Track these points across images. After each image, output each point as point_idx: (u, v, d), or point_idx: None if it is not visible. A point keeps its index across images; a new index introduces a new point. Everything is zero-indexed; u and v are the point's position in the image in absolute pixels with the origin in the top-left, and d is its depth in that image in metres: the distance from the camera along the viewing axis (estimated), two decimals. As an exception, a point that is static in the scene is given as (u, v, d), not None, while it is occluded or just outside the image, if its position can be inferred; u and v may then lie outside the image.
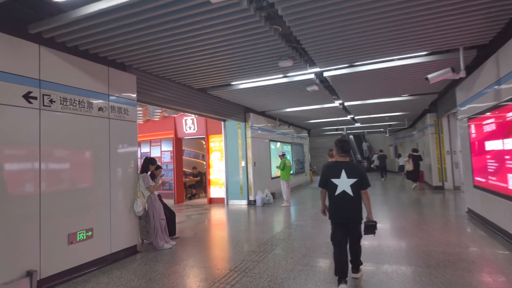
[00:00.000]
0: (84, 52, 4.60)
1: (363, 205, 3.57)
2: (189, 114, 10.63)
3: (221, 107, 8.83)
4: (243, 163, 10.18)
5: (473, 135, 6.36)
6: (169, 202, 11.31)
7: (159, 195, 6.08)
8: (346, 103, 10.07)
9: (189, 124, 11.27)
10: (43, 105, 4.01)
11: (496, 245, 4.86)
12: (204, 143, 12.23)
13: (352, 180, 3.44)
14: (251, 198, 10.09)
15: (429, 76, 5.43)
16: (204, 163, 13.14)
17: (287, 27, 4.09)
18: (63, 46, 4.32)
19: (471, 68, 5.96)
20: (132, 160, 5.37)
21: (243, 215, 8.53)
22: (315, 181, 17.80)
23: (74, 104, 4.40)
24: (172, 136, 11.62)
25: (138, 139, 12.89)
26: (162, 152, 12.00)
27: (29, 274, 3.65)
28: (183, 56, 5.02)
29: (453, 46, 5.09)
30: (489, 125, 5.35)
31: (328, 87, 7.96)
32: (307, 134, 18.81)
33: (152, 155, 12.42)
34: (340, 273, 3.48)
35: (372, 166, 23.39)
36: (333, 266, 3.65)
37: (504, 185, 4.86)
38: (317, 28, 4.07)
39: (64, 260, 4.12)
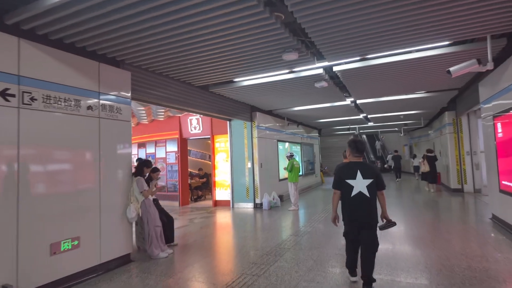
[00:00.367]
0: (70, 45, 4.25)
1: (378, 207, 3.47)
2: (194, 114, 10.27)
3: (225, 106, 8.42)
4: (249, 165, 9.74)
5: (500, 135, 5.75)
6: (174, 204, 11.02)
7: (156, 200, 5.72)
8: (358, 101, 9.51)
9: (194, 124, 10.92)
10: (23, 103, 3.67)
11: (530, 260, 4.28)
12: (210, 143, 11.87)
13: (368, 181, 3.36)
14: (258, 201, 9.64)
15: (451, 69, 4.86)
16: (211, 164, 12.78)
17: (290, 13, 3.63)
18: (46, 38, 3.97)
19: (497, 60, 5.35)
20: (125, 162, 5.00)
21: (247, 220, 8.09)
22: (326, 182, 17.21)
23: (59, 103, 4.05)
24: (177, 136, 11.29)
25: (143, 140, 12.74)
26: (167, 152, 11.69)
27: (4, 289, 3.32)
28: (179, 50, 4.62)
29: (479, 34, 4.51)
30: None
31: (339, 84, 7.44)
32: (317, 134, 18.23)
33: (158, 156, 12.14)
34: (351, 267, 3.68)
35: (385, 166, 22.65)
36: (341, 273, 3.78)
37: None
38: (324, 14, 3.59)
39: (45, 273, 3.77)
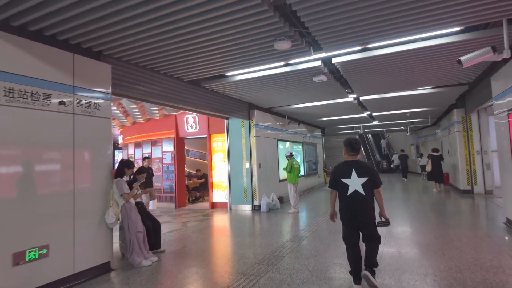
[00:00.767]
0: (36, 33, 3.85)
1: (375, 206, 3.44)
2: (191, 112, 9.86)
3: (220, 103, 7.99)
4: (247, 165, 9.31)
5: (516, 132, 5.24)
6: (170, 206, 10.63)
7: (140, 203, 5.32)
8: (361, 98, 9.02)
9: (191, 122, 10.53)
10: (-20, 97, 3.29)
11: (554, 272, 3.78)
12: (208, 143, 11.47)
13: (363, 179, 3.36)
14: (256, 203, 9.20)
15: (462, 58, 4.38)
16: (209, 164, 12.38)
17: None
18: (6, 24, 3.58)
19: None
20: (104, 163, 4.60)
21: (243, 223, 7.66)
22: (330, 183, 16.67)
23: (25, 97, 3.66)
24: (174, 135, 10.91)
25: (139, 139, 12.38)
26: (163, 152, 11.32)
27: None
28: (161, 39, 4.21)
29: (493, 18, 4.02)
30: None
31: (340, 78, 6.98)
32: (320, 133, 17.72)
33: (154, 156, 11.78)
34: (355, 274, 3.45)
35: (391, 166, 22.10)
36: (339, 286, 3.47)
37: None
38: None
39: (6, 285, 3.38)
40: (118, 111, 10.16)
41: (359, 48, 4.99)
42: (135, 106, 9.39)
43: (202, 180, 12.17)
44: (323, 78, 5.99)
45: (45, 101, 3.87)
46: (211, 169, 10.21)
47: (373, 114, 12.49)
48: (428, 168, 11.94)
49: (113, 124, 12.84)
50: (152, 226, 5.25)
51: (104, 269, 4.50)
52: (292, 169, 8.60)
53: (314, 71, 5.88)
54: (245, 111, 9.21)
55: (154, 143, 11.78)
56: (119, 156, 18.11)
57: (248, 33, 4.06)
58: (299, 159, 13.06)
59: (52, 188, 3.90)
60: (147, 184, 8.19)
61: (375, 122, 15.21)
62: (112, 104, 9.11)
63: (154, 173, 9.92)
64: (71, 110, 4.18)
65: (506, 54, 4.16)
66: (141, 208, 5.27)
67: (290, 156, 8.90)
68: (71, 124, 4.17)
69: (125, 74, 5.20)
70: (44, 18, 3.55)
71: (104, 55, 4.73)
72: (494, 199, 9.14)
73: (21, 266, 3.51)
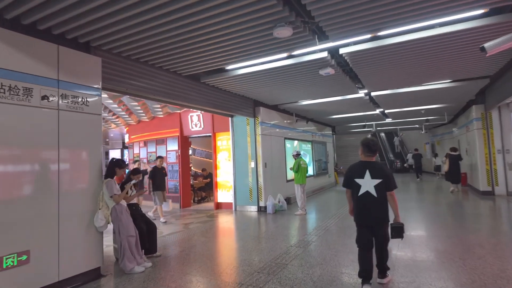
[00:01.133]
0: (13, 21, 3.58)
1: (389, 206, 3.42)
2: (195, 110, 9.55)
3: (223, 100, 7.64)
4: (252, 164, 8.94)
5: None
6: (175, 206, 10.34)
7: (135, 204, 5.03)
8: (373, 93, 8.51)
9: (195, 120, 10.23)
10: (-50, 91, 3.02)
11: None
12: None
13: (377, 181, 3.34)
14: (262, 204, 8.83)
15: (486, 45, 3.88)
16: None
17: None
18: (-19, 13, 3.32)
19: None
20: (93, 162, 4.31)
21: (247, 226, 7.29)
22: (341, 183, 16.13)
23: (1, 91, 3.39)
24: (178, 134, 10.64)
25: (144, 138, 12.16)
26: (168, 151, 11.06)
27: None
28: (153, 29, 3.89)
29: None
30: None
31: (349, 72, 6.52)
32: (331, 132, 17.19)
33: (158, 154, 11.54)
34: (364, 276, 3.42)
35: (405, 165, 21.37)
36: None
37: None
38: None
39: (-22, 296, 3.12)
40: (120, 109, 9.94)
41: (369, 36, 4.54)
42: (136, 103, 9.13)
43: (208, 180, 11.87)
44: (330, 71, 5.56)
45: (25, 96, 3.59)
46: (216, 169, 9.88)
47: (386, 111, 11.92)
48: (446, 167, 11.33)
49: (118, 122, 12.69)
50: (146, 229, 4.94)
51: (93, 275, 4.22)
52: (299, 168, 8.18)
53: (320, 63, 5.46)
54: (250, 108, 8.84)
55: (158, 142, 11.55)
56: (127, 155, 18.00)
57: (246, 19, 3.67)
58: (308, 158, 12.61)
59: (33, 189, 3.62)
60: (160, 185, 7.88)
61: (388, 120, 14.60)
62: (113, 101, 8.96)
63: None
64: (56, 105, 3.89)
65: (537, 39, 3.66)
66: (135, 210, 4.97)
67: (297, 155, 8.48)
68: (55, 120, 3.89)
69: (117, 68, 4.90)
70: (20, 3, 3.26)
71: (93, 47, 4.43)
72: (518, 201, 8.52)
73: (-3, 274, 3.24)
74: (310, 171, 12.52)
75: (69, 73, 4.06)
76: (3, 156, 3.39)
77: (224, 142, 9.83)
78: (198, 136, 11.13)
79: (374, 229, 3.42)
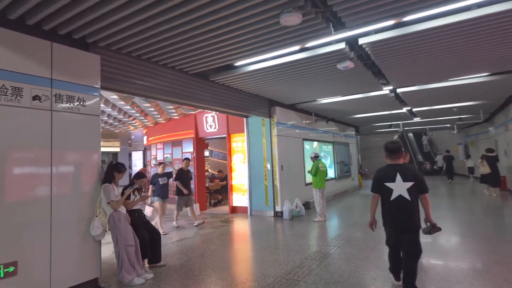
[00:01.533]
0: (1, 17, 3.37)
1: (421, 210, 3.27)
2: (210, 111, 9.25)
3: (235, 99, 7.26)
4: (268, 167, 8.50)
5: None
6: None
7: (138, 210, 4.73)
8: (398, 90, 7.82)
9: (210, 122, 9.94)
10: None
11: None
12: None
13: (409, 184, 3.23)
14: (278, 208, 8.36)
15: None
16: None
17: None
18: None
19: None
20: (91, 165, 4.05)
21: (260, 234, 6.84)
22: (365, 186, 15.34)
23: (-12, 90, 3.18)
24: (193, 135, 10.40)
25: (161, 140, 12.03)
26: (183, 153, 10.85)
27: None
28: (153, 20, 3.57)
29: None
30: None
31: (371, 66, 5.93)
32: (354, 132, 16.39)
33: (174, 157, 11.38)
34: (395, 271, 3.52)
35: (434, 167, 20.07)
36: None
37: None
38: None
39: (-42, 311, 2.90)
40: (133, 111, 9.83)
41: (392, 23, 3.99)
42: (149, 105, 8.96)
43: (224, 182, 11.54)
44: (349, 64, 5.02)
45: (14, 96, 3.37)
46: (231, 171, 9.52)
47: (414, 109, 11.07)
48: (486, 169, 10.36)
49: (136, 124, 12.67)
50: (149, 238, 4.63)
51: (91, 286, 3.95)
52: (317, 172, 7.64)
53: (338, 56, 4.93)
54: (265, 108, 8.41)
55: (174, 143, 11.38)
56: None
57: (251, 3, 3.26)
58: (328, 160, 11.98)
59: (21, 195, 3.39)
60: (187, 189, 7.42)
61: (416, 119, 13.66)
62: (125, 103, 8.83)
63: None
64: (49, 106, 3.66)
65: None
66: (138, 216, 4.68)
67: (315, 158, 7.94)
68: (48, 121, 3.65)
69: (118, 66, 4.64)
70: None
71: (91, 44, 4.18)
72: None
73: (-20, 288, 3.01)
74: (331, 174, 11.90)
75: (63, 72, 3.82)
76: (-12, 160, 3.17)
77: (239, 144, 9.45)
78: (214, 138, 10.85)
79: (404, 235, 3.28)
